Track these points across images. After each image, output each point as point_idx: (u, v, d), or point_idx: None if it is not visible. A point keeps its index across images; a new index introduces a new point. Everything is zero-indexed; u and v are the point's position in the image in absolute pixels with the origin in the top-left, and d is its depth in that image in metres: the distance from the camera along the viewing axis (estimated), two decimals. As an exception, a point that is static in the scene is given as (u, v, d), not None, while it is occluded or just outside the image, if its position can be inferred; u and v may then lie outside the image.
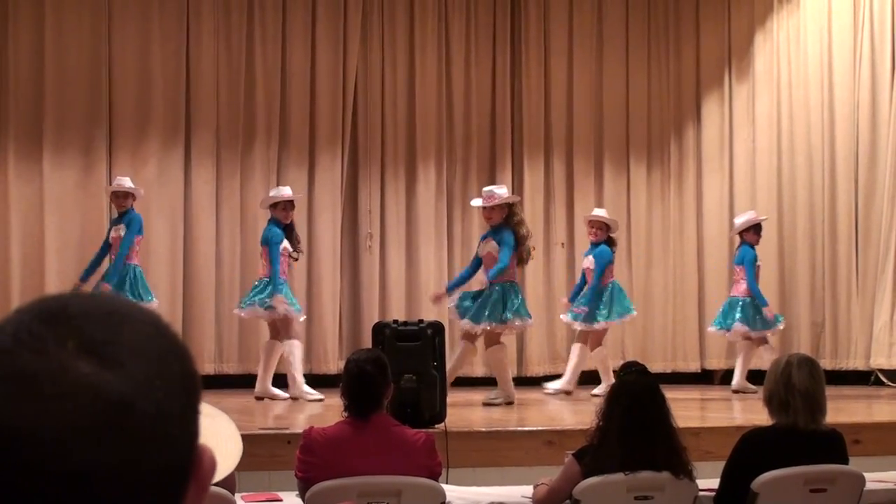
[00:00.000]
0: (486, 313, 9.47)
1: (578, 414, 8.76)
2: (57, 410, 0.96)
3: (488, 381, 12.15)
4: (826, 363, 11.31)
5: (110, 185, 11.10)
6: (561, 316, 11.23)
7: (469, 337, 9.68)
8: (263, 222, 10.65)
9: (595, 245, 10.84)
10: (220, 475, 1.52)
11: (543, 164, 12.96)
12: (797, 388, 5.01)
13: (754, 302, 10.86)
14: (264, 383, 10.15)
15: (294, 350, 10.15)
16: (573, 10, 13.12)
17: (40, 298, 1.05)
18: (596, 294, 10.68)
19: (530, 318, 9.91)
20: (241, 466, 5.38)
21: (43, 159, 11.61)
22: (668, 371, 12.36)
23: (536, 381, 12.18)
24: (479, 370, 12.51)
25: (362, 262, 12.49)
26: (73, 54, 11.74)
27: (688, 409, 8.54)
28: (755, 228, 11.07)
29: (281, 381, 10.28)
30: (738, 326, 10.84)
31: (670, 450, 4.90)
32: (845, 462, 5.22)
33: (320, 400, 9.75)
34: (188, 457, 1.03)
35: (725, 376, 12.68)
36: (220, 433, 2.36)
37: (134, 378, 0.99)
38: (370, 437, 4.87)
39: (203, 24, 12.11)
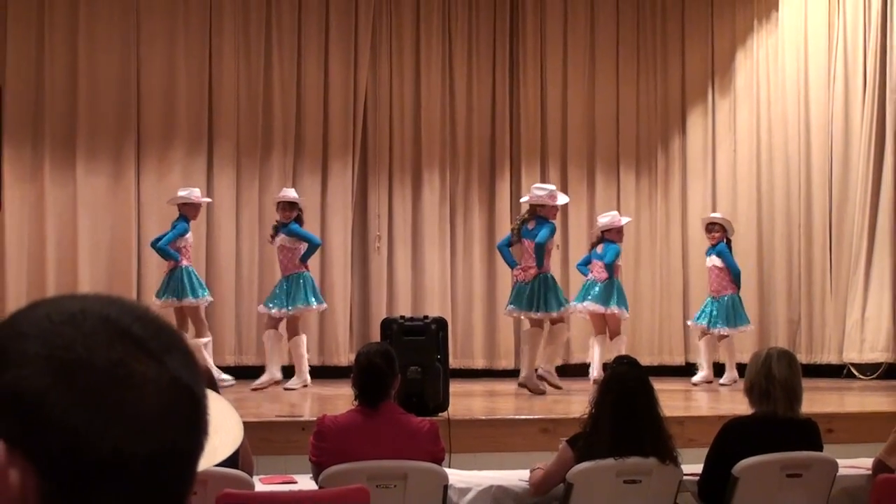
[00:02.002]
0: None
1: (571, 404, 8.75)
2: (148, 395, 1.00)
3: (488, 373, 12.18)
4: (801, 357, 11.26)
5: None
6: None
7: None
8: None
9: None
10: (226, 453, 1.54)
11: (539, 172, 12.94)
12: (777, 378, 5.01)
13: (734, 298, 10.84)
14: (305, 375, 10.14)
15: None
16: (567, 30, 13.11)
17: (50, 302, 1.05)
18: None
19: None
20: (258, 451, 5.41)
21: (76, 166, 11.61)
22: (655, 364, 12.33)
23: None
24: (479, 362, 12.51)
25: (371, 262, 12.48)
26: (105, 70, 11.74)
27: (673, 400, 8.52)
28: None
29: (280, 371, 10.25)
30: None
31: (657, 437, 4.89)
32: (819, 449, 5.21)
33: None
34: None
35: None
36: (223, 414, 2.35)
37: (182, 369, 1.03)
38: (379, 425, 4.87)
39: (225, 42, 12.11)
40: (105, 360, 0.99)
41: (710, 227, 10.99)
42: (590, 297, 10.56)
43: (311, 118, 12.35)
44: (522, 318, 9.88)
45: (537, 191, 9.84)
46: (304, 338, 10.28)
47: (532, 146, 12.97)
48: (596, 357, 10.50)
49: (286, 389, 9.85)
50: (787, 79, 12.45)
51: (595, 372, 10.48)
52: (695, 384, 10.87)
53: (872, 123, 11.50)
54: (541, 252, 9.49)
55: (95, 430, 0.97)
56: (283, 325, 10.27)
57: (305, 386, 9.99)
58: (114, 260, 11.59)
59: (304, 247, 10.25)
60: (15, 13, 11.51)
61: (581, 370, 11.32)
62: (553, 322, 9.58)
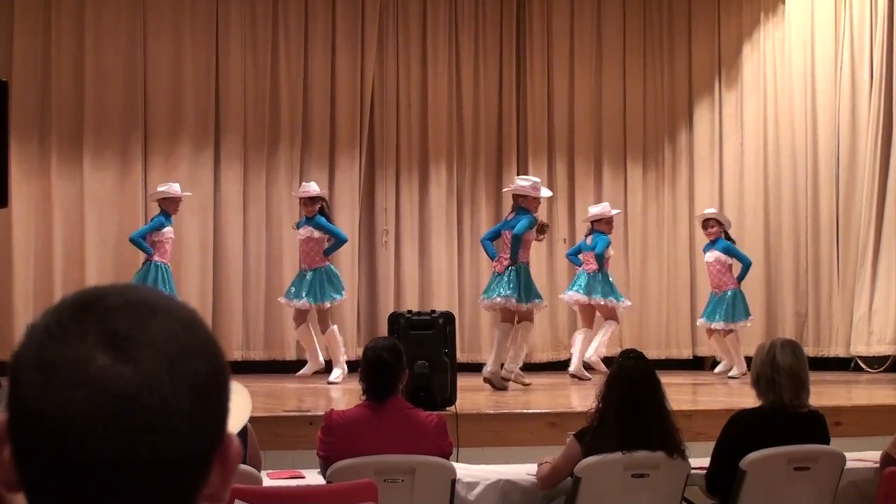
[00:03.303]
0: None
1: (578, 398, 8.75)
2: (70, 399, 0.98)
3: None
4: (809, 350, 11.22)
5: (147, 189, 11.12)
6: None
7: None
8: (289, 219, 10.64)
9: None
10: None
11: (547, 165, 12.94)
12: (782, 366, 5.01)
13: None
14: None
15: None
16: (574, 22, 13.10)
17: (84, 289, 1.06)
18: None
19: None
20: (266, 446, 5.41)
21: (83, 161, 11.63)
22: (663, 358, 12.34)
23: (540, 368, 12.17)
24: (487, 356, 12.49)
25: (379, 256, 12.49)
26: (111, 65, 11.75)
27: (680, 393, 8.51)
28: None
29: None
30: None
31: (664, 431, 4.89)
32: (827, 442, 5.20)
33: None
34: (197, 450, 1.02)
35: (716, 363, 12.66)
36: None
37: (144, 374, 0.99)
38: (386, 419, 4.87)
39: (231, 36, 12.11)
40: (56, 356, 1.00)
41: (707, 223, 11.02)
42: (575, 288, 10.79)
43: (317, 112, 12.35)
44: (495, 305, 9.57)
45: (521, 181, 9.72)
46: (336, 328, 10.34)
47: (539, 140, 12.97)
48: (576, 350, 10.56)
49: (329, 383, 9.85)
50: (794, 71, 12.43)
51: (574, 367, 10.50)
52: (731, 377, 10.83)
53: (879, 116, 11.48)
54: (517, 243, 9.22)
55: (35, 426, 0.99)
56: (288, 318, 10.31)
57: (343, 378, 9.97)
58: (121, 255, 11.59)
59: (329, 239, 10.26)
60: (22, 8, 11.52)
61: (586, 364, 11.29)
62: (520, 319, 9.42)
